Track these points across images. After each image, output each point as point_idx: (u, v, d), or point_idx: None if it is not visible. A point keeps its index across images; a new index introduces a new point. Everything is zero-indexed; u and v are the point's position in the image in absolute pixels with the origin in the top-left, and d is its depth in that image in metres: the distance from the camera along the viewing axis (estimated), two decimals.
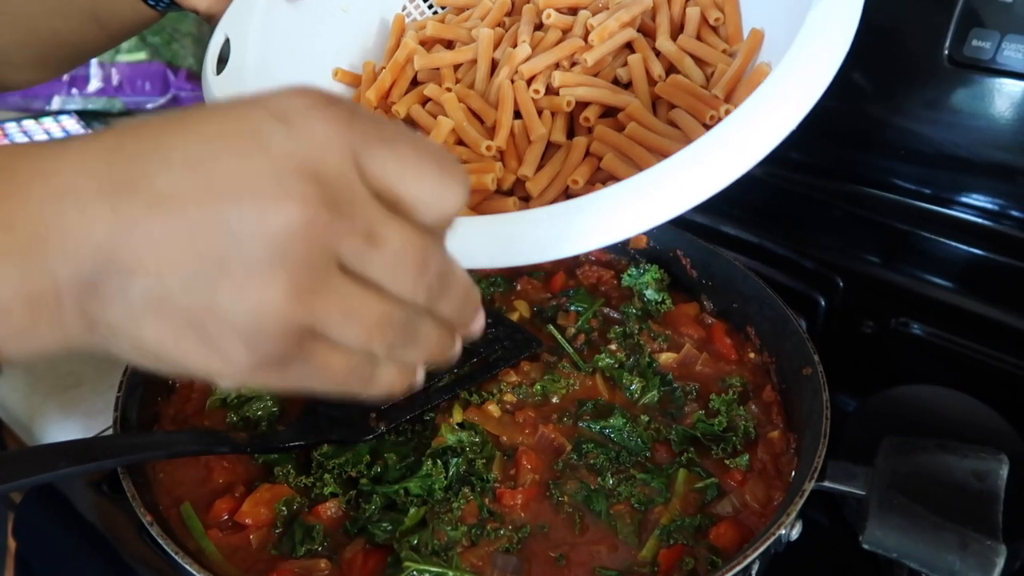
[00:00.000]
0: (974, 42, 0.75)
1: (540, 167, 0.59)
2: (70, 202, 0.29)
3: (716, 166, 0.45)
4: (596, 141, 0.58)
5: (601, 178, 0.57)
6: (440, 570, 0.52)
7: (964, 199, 0.81)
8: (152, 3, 0.69)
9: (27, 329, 0.30)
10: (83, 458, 0.50)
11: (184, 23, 1.39)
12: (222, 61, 0.62)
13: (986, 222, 0.80)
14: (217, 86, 0.59)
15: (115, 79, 1.35)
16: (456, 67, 0.67)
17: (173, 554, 0.49)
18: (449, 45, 0.69)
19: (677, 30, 0.63)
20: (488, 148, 0.59)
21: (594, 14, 0.64)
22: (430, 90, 0.64)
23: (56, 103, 1.34)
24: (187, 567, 0.48)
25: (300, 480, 0.58)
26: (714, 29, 0.62)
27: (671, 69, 0.61)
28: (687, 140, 0.54)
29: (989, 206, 0.80)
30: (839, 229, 0.91)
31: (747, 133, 0.46)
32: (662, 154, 0.55)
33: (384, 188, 0.31)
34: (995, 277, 0.81)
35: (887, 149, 0.85)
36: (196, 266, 0.29)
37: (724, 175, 0.45)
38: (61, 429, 0.79)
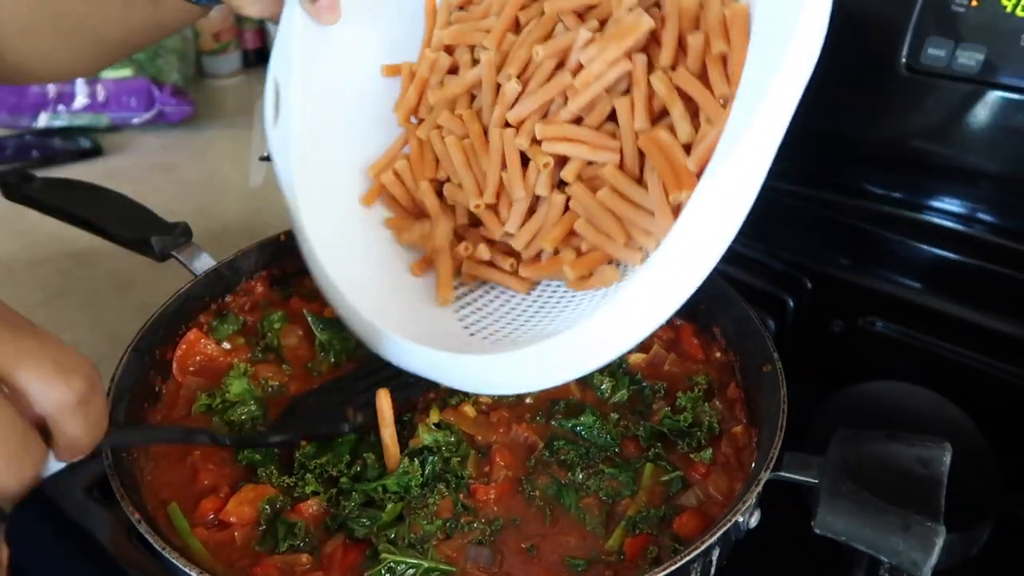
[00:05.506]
0: (930, 50, 0.77)
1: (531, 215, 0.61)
2: None
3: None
4: (573, 199, 0.59)
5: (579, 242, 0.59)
6: (416, 561, 0.54)
7: (930, 202, 0.82)
8: (195, 0, 0.70)
9: None
10: None
11: (169, 39, 1.41)
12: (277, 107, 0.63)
13: (952, 224, 0.82)
14: (274, 139, 0.60)
15: (101, 95, 1.37)
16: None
17: (160, 550, 0.51)
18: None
19: (683, 52, 0.58)
20: (477, 206, 0.61)
21: (601, 23, 0.61)
22: (443, 119, 0.66)
23: (43, 119, 1.36)
24: (174, 561, 0.50)
25: (283, 480, 0.60)
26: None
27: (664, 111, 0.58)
28: (653, 217, 0.56)
29: (954, 209, 0.81)
30: (807, 232, 0.92)
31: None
32: (630, 225, 0.57)
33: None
34: (960, 277, 0.83)
35: (854, 155, 0.86)
36: None
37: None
38: None
